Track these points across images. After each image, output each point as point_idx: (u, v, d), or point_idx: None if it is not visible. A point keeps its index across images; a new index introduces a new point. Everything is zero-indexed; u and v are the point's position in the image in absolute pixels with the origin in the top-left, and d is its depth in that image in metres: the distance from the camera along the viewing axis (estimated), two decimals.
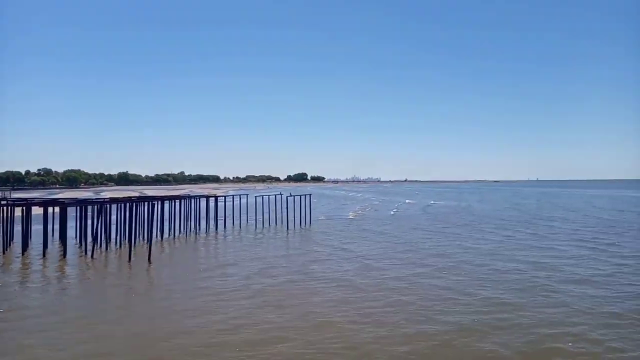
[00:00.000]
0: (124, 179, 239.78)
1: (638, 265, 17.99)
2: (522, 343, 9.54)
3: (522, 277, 15.85)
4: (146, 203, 26.09)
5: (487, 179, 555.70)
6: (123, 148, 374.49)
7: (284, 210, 35.65)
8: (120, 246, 24.14)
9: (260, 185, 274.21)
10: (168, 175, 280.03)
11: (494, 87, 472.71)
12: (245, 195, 51.84)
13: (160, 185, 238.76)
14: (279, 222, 36.34)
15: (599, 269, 17.21)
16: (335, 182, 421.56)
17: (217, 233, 31.54)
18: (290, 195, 36.67)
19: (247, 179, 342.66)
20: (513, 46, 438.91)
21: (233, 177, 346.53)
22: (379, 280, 15.57)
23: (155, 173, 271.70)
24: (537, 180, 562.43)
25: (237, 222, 37.54)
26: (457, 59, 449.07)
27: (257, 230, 32.56)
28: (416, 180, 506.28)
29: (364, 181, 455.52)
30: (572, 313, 11.61)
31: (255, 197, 40.73)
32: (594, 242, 24.58)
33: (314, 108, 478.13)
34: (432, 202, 75.68)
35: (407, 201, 77.87)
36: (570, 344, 9.50)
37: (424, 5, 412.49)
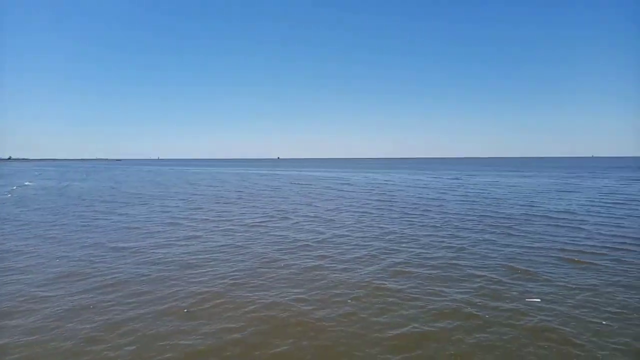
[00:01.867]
0: None
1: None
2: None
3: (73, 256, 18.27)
4: None
5: (109, 158, 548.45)
6: None
7: None
8: None
9: None
10: None
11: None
12: None
13: None
14: None
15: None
16: None
17: None
18: None
19: None
20: None
21: None
22: None
23: None
24: (159, 159, 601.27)
25: None
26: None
27: None
28: (24, 159, 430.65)
29: None
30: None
31: None
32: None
33: None
34: (27, 183, 67.27)
35: None
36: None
37: None
